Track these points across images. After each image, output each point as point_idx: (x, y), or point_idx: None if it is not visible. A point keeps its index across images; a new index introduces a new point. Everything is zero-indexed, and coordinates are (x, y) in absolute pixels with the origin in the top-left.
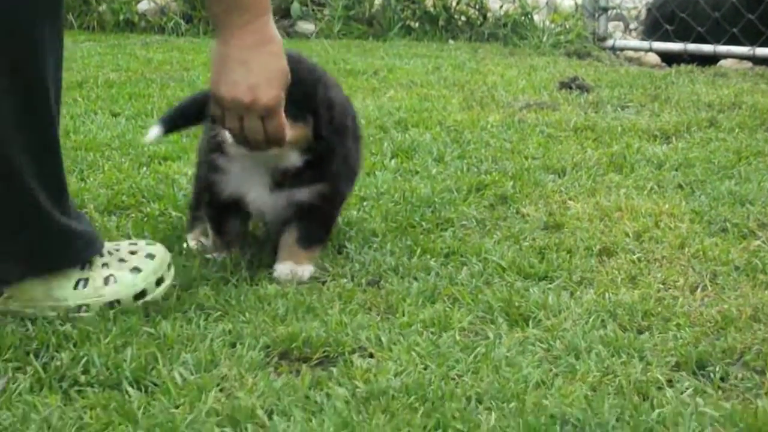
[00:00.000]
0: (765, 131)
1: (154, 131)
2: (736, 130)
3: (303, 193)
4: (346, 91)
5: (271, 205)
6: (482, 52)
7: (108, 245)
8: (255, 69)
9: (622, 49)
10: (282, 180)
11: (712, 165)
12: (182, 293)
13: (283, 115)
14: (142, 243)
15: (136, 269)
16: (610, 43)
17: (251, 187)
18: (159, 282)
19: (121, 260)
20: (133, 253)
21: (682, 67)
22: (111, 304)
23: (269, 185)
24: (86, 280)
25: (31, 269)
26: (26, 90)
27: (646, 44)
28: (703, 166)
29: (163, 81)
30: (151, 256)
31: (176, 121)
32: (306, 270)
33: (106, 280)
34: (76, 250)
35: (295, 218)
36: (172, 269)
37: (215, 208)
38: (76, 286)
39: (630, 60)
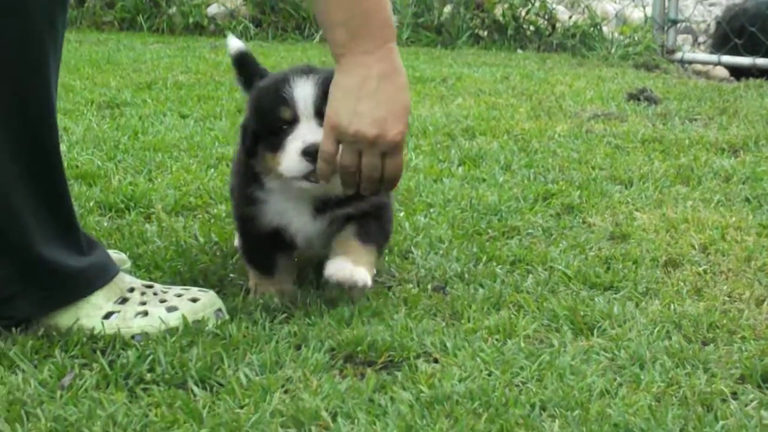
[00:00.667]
0: None
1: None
2: None
3: (348, 210)
4: (414, 98)
5: (317, 231)
6: (550, 62)
7: (158, 286)
8: (382, 101)
9: (690, 62)
10: (324, 206)
11: None
12: (248, 295)
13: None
14: (194, 289)
15: (173, 308)
16: (678, 56)
17: (293, 216)
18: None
19: (163, 300)
20: (179, 296)
21: (751, 81)
22: (135, 337)
23: (311, 212)
24: (118, 312)
25: (39, 306)
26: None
27: (714, 58)
28: None
29: (232, 84)
30: (194, 300)
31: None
32: (361, 274)
33: (138, 314)
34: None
35: (350, 220)
36: (223, 313)
37: (257, 245)
38: (106, 317)
39: (698, 73)
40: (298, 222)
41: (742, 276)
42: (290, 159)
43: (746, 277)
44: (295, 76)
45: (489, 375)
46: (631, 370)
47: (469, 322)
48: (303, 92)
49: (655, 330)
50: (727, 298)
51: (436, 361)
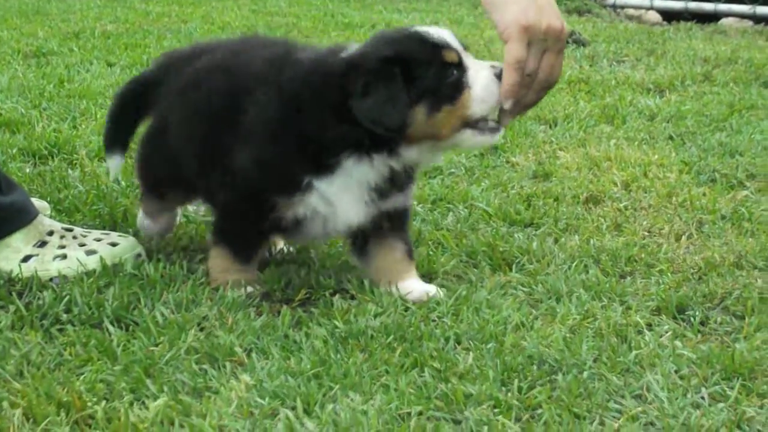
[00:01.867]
0: (759, 85)
1: (115, 163)
2: (731, 84)
3: (401, 199)
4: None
5: (363, 220)
6: (482, 7)
7: (78, 230)
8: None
9: (622, 7)
10: (382, 194)
11: (704, 117)
12: (167, 236)
13: None
14: (113, 234)
15: (92, 252)
16: (611, 1)
17: (346, 204)
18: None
19: (82, 244)
20: (98, 240)
21: (681, 24)
22: (53, 279)
23: (365, 197)
24: (36, 256)
25: None
26: None
27: (647, 2)
28: (695, 118)
29: (161, 32)
30: (114, 244)
31: (125, 132)
32: (431, 289)
33: (56, 257)
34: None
35: (389, 229)
36: (142, 257)
37: (254, 231)
38: (25, 260)
39: (630, 18)
40: (348, 210)
41: (662, 212)
42: (486, 86)
43: (666, 213)
44: (420, 28)
45: (405, 310)
46: (548, 303)
47: None
48: (446, 33)
49: (573, 265)
50: (647, 233)
51: (353, 297)
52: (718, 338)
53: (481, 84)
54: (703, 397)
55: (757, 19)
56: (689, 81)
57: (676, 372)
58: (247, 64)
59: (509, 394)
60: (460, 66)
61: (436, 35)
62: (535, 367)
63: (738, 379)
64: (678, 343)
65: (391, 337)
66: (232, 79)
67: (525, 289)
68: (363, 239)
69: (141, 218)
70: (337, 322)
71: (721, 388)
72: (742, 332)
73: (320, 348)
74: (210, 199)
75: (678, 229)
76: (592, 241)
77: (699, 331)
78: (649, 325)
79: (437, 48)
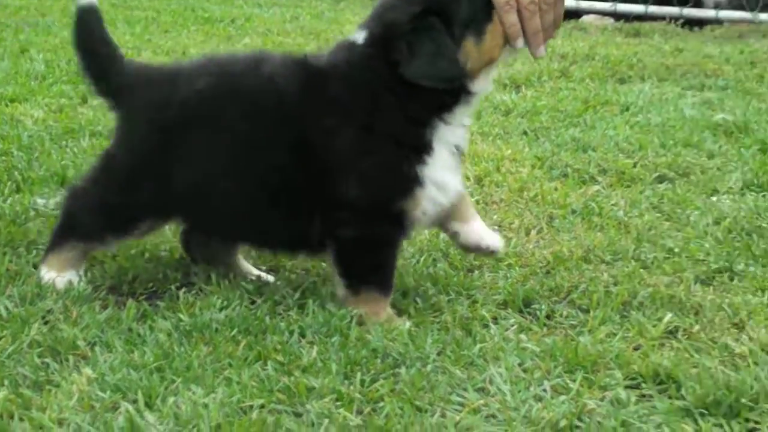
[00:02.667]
0: (615, 82)
1: None
2: (587, 81)
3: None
4: (201, 38)
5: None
6: (344, 3)
7: None
8: None
9: None
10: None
11: (559, 113)
12: (13, 228)
13: None
14: None
15: None
16: None
17: (449, 176)
18: None
19: None
20: None
21: None
22: None
23: (456, 163)
24: None
25: None
26: None
27: None
28: (550, 114)
29: (18, 25)
30: None
31: None
32: (497, 237)
33: None
34: None
35: None
36: None
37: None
38: None
39: None
40: (453, 181)
41: (514, 206)
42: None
43: (518, 207)
44: None
45: (252, 304)
46: (395, 297)
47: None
48: None
49: (422, 258)
50: (497, 228)
51: (200, 291)
52: (563, 331)
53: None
54: (545, 390)
55: (618, 16)
56: (546, 77)
57: (519, 365)
58: (273, 82)
59: (351, 387)
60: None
61: None
62: (378, 361)
63: (580, 371)
64: (523, 336)
65: (236, 330)
66: (273, 102)
67: None
68: None
69: (52, 276)
70: (182, 315)
71: (563, 381)
72: (587, 325)
73: (164, 341)
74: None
75: (528, 224)
76: (441, 236)
77: (545, 325)
78: (495, 319)
79: (451, 4)
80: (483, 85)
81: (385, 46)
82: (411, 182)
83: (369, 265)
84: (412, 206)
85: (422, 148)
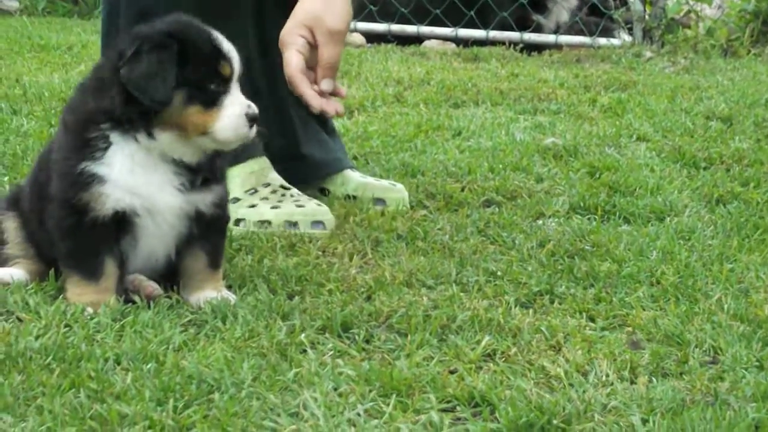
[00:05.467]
0: (449, 106)
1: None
2: (421, 105)
3: (207, 198)
4: (36, 65)
5: (177, 213)
6: None
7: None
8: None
9: None
10: (189, 180)
11: (391, 138)
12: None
13: None
14: (312, 203)
15: (276, 207)
16: None
17: (153, 192)
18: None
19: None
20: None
21: (383, 46)
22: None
23: (177, 186)
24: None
25: None
26: None
27: (350, 25)
28: (382, 138)
29: None
30: (301, 206)
31: None
32: (231, 296)
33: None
34: None
35: (198, 236)
36: (324, 226)
37: (89, 239)
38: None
39: None
40: (161, 199)
41: (339, 231)
42: (234, 121)
43: (344, 233)
44: (217, 35)
45: (68, 330)
46: (213, 323)
47: (56, 281)
48: (235, 53)
49: (245, 285)
50: (321, 253)
51: (19, 319)
52: (381, 355)
53: (229, 113)
54: (359, 414)
55: (459, 41)
56: (380, 102)
57: (335, 389)
58: None
59: (164, 414)
60: (226, 84)
61: (227, 47)
62: (193, 387)
63: (395, 395)
64: (340, 361)
65: (51, 357)
66: None
67: (192, 309)
68: None
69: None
70: None
71: (377, 405)
72: (405, 349)
73: None
74: None
75: (353, 249)
76: (264, 261)
77: (363, 349)
78: (313, 344)
79: (220, 55)
80: (168, 142)
81: (126, 43)
82: (80, 178)
83: (66, 252)
84: (88, 199)
85: (97, 153)
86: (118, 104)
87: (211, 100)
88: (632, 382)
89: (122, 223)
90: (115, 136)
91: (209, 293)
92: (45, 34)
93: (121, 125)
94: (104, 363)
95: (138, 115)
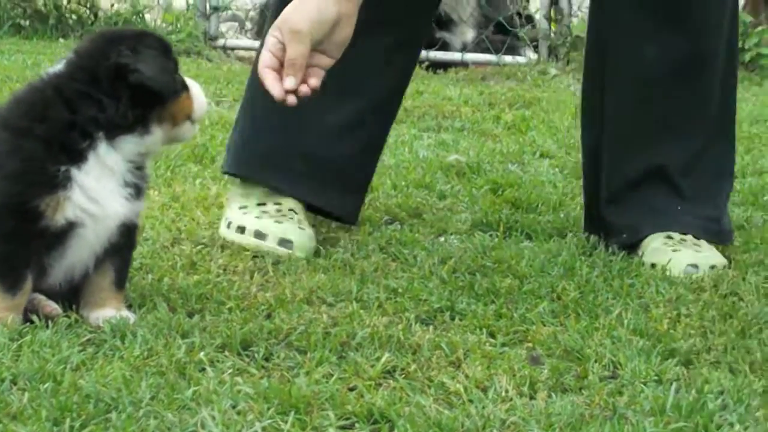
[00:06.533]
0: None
1: None
2: None
3: (139, 208)
4: None
5: (118, 223)
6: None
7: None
8: None
9: (233, 49)
10: (135, 189)
11: None
12: None
13: None
14: (294, 224)
15: (259, 218)
16: (221, 42)
17: (107, 200)
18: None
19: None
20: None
21: None
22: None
23: (128, 194)
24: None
25: None
26: None
27: (257, 44)
28: None
29: None
30: (278, 222)
31: None
32: (131, 315)
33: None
34: None
35: (111, 250)
36: (292, 246)
37: (21, 247)
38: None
39: (242, 59)
40: (113, 207)
41: (240, 250)
42: (200, 91)
43: (245, 251)
44: None
45: None
46: (112, 342)
47: None
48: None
49: (145, 303)
50: (222, 271)
51: None
52: (280, 373)
53: (196, 90)
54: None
55: (430, 63)
56: None
57: (233, 407)
58: None
59: None
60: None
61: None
62: (91, 406)
63: (293, 413)
64: (239, 379)
65: None
66: None
67: (90, 329)
68: None
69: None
70: None
71: (276, 422)
72: (304, 367)
73: None
74: None
75: (254, 266)
76: (164, 280)
77: (262, 367)
78: (212, 362)
79: (170, 45)
80: (159, 138)
81: (105, 53)
82: (49, 180)
83: None
84: (47, 205)
85: (77, 152)
86: (126, 108)
87: (185, 85)
88: (532, 398)
89: (65, 233)
90: (102, 143)
91: (109, 312)
92: None
93: (114, 130)
94: (0, 383)
95: (142, 113)
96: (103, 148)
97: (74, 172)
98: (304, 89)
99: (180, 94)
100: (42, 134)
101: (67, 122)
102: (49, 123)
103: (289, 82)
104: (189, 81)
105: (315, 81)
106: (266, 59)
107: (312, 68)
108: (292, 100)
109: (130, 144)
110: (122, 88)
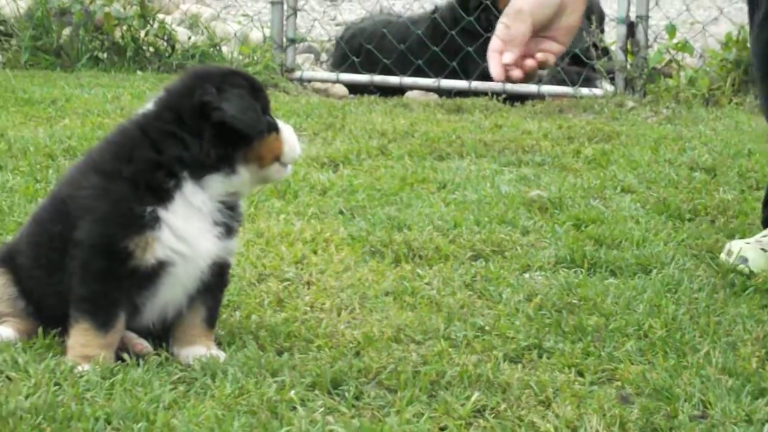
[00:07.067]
0: (433, 159)
1: None
2: (405, 158)
3: (231, 246)
4: (20, 120)
5: (210, 261)
6: (168, 82)
7: None
8: None
9: (309, 81)
10: (226, 227)
11: (376, 191)
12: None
13: None
14: None
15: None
16: (297, 74)
17: (199, 238)
18: None
19: None
20: None
21: (365, 97)
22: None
23: (216, 234)
24: None
25: None
26: None
27: (333, 75)
28: (367, 192)
29: None
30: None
31: None
32: (221, 353)
33: None
34: None
35: (203, 288)
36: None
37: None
38: None
39: (318, 91)
40: (203, 246)
41: (327, 286)
42: (295, 139)
43: (331, 288)
44: None
45: (58, 389)
46: (203, 381)
47: (45, 338)
48: None
49: (234, 341)
50: (309, 308)
51: (8, 378)
52: (371, 412)
53: (288, 132)
54: None
55: (441, 91)
56: (364, 155)
57: None
58: None
59: None
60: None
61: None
62: None
63: None
64: (330, 418)
65: (41, 417)
66: None
67: (181, 367)
68: None
69: None
70: None
71: None
72: (395, 406)
73: None
74: None
75: (340, 304)
76: (252, 317)
77: (353, 406)
78: (303, 401)
79: (262, 85)
80: (248, 178)
81: (190, 91)
82: (136, 221)
83: (86, 296)
84: (136, 246)
85: (163, 193)
86: (209, 147)
87: (275, 126)
88: None
89: (156, 272)
90: (188, 183)
91: (199, 350)
92: (28, 87)
93: (200, 170)
94: (95, 422)
95: (226, 153)
96: (189, 187)
97: (161, 212)
98: (530, 63)
99: (266, 135)
100: (129, 176)
101: (152, 162)
102: (136, 164)
103: (507, 57)
104: (281, 124)
105: (531, 62)
106: (493, 44)
107: (540, 51)
108: (516, 74)
109: (217, 183)
110: (205, 126)
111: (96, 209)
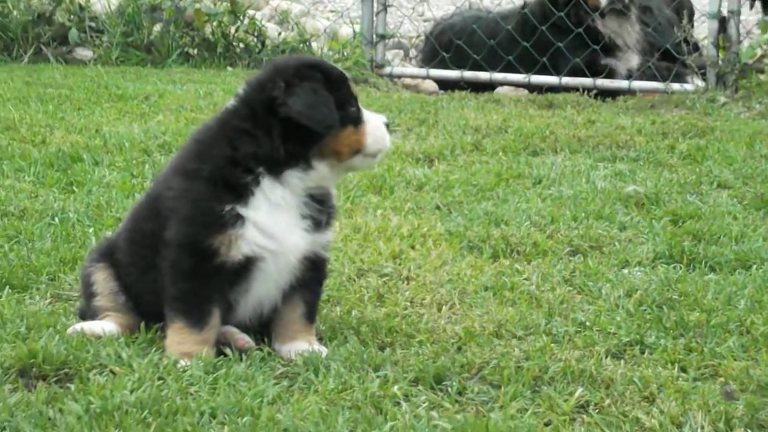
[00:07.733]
0: (528, 154)
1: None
2: (500, 154)
3: (324, 240)
4: (114, 116)
5: (300, 255)
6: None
7: None
8: None
9: (399, 76)
10: (315, 220)
11: (472, 187)
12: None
13: None
14: None
15: None
16: (387, 70)
17: (285, 232)
18: None
19: None
20: None
21: (456, 93)
22: None
23: (304, 227)
24: None
25: None
26: None
27: (423, 71)
28: (463, 187)
29: None
30: None
31: None
32: (323, 348)
33: None
34: None
35: (299, 283)
36: None
37: (210, 280)
38: None
39: (408, 87)
40: (291, 241)
41: (425, 282)
42: (381, 131)
43: (430, 283)
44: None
45: (162, 383)
46: (306, 376)
47: (147, 333)
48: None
49: (335, 336)
50: (409, 303)
51: (112, 372)
52: (474, 408)
53: (373, 126)
54: None
55: (531, 87)
56: (459, 150)
57: None
58: None
59: None
60: (357, 102)
61: (340, 70)
62: None
63: None
64: (434, 413)
65: (147, 411)
66: None
67: (283, 362)
68: None
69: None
70: (92, 398)
71: None
72: (498, 401)
73: (74, 424)
74: None
75: (440, 299)
76: (353, 312)
77: (456, 401)
78: (406, 396)
79: (345, 77)
80: (325, 172)
81: (263, 86)
82: (217, 221)
83: (177, 296)
84: (221, 244)
85: (241, 191)
86: (279, 143)
87: (357, 119)
88: None
89: (245, 268)
90: (265, 179)
91: (301, 345)
92: (121, 83)
93: (275, 166)
94: (200, 417)
95: (299, 148)
96: (267, 183)
97: (242, 209)
98: None
99: (339, 129)
100: (207, 174)
101: (228, 159)
102: (214, 162)
103: None
104: (368, 115)
105: None
106: None
107: None
108: None
109: (295, 179)
110: (274, 122)
111: (180, 210)
